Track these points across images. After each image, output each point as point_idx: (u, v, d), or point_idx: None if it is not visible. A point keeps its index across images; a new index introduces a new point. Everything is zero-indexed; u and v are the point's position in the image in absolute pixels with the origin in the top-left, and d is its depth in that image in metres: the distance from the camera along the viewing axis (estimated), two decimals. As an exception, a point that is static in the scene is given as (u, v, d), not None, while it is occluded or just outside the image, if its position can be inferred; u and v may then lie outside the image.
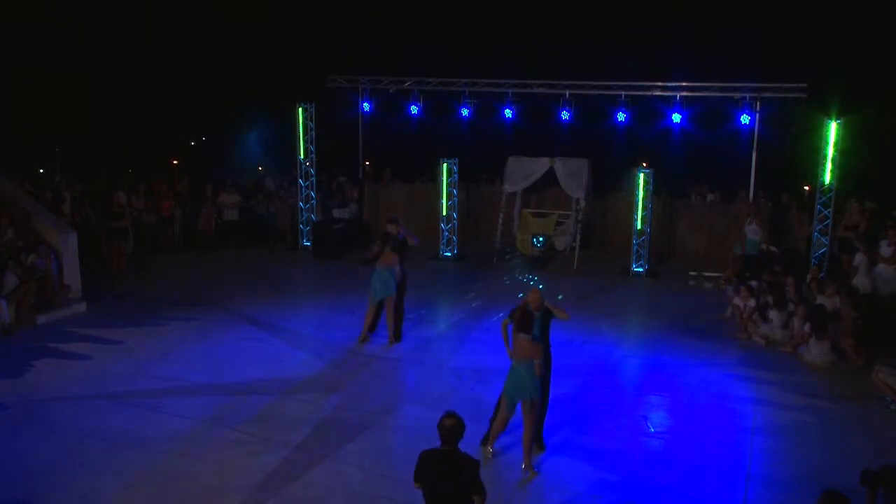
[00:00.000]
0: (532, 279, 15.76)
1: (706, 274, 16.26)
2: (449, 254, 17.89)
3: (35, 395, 9.80)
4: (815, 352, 11.30)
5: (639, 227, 16.39)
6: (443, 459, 5.79)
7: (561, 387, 10.14)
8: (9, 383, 10.17)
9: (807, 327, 11.56)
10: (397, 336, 11.99)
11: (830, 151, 14.65)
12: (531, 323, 7.98)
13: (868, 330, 11.50)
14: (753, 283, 13.35)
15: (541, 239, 17.31)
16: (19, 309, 12.46)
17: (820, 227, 14.92)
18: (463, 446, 8.47)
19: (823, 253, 14.87)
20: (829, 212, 14.82)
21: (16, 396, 9.75)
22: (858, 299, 11.96)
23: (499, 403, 8.36)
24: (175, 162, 27.73)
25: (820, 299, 12.31)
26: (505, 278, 15.72)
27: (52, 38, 23.07)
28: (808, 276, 13.70)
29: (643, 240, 16.44)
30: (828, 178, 14.77)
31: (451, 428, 5.84)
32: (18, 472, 7.84)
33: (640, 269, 16.49)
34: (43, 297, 12.98)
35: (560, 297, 14.17)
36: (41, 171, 21.70)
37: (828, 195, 14.80)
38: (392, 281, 11.59)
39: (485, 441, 8.44)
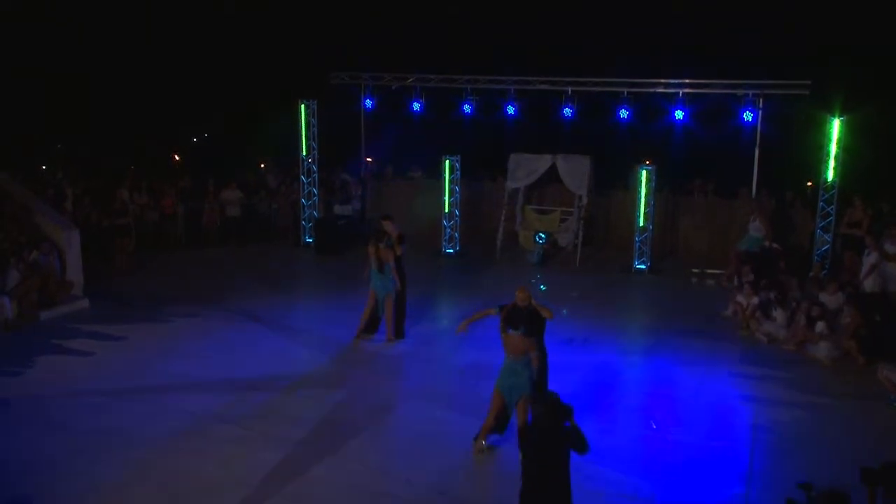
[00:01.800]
0: (537, 279, 15.75)
1: (708, 271, 16.23)
2: (451, 250, 17.89)
3: (38, 392, 9.82)
4: (825, 349, 11.29)
5: (641, 224, 16.37)
6: (544, 435, 5.97)
7: (562, 384, 10.12)
8: (12, 379, 10.21)
9: (819, 326, 11.52)
10: (400, 333, 12.01)
11: (833, 148, 14.64)
12: (519, 320, 8.01)
13: (872, 331, 11.44)
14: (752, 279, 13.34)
15: (542, 236, 17.31)
16: (22, 305, 12.48)
17: (822, 224, 14.90)
18: (459, 442, 8.54)
19: (826, 250, 14.85)
20: (831, 209, 14.81)
21: (19, 392, 9.78)
22: (862, 303, 11.91)
23: (492, 399, 8.37)
24: (177, 159, 27.74)
25: (822, 297, 12.30)
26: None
27: (53, 38, 23.07)
28: (811, 274, 13.68)
29: (645, 237, 16.42)
30: (830, 175, 14.76)
31: (555, 404, 5.98)
32: (21, 467, 7.87)
33: (643, 267, 16.48)
34: (46, 293, 13.00)
35: (576, 293, 14.28)
36: (43, 167, 21.68)
37: (830, 192, 14.79)
38: (390, 277, 11.61)
39: (477, 436, 8.46)
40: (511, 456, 8.26)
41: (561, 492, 5.97)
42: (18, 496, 7.11)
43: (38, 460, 8.02)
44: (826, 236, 14.89)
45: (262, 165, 22.54)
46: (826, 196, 14.84)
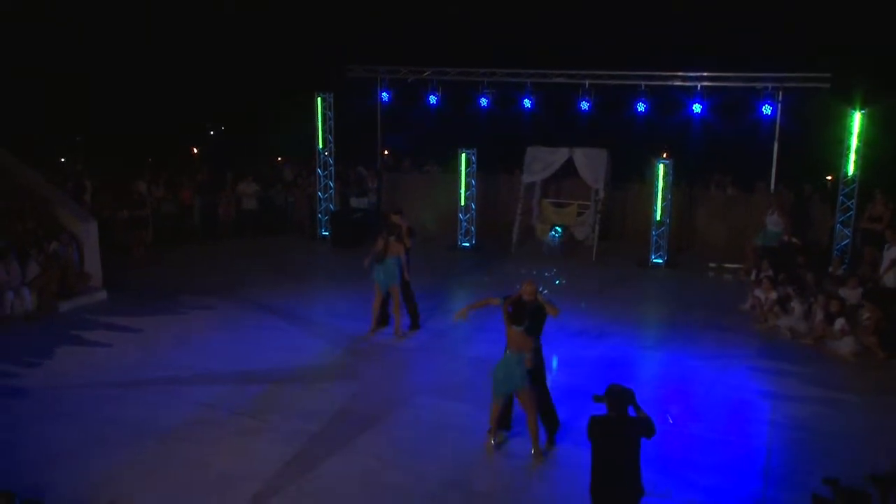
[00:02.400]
0: (550, 272, 15.70)
1: (726, 265, 16.13)
2: (467, 244, 17.86)
3: (56, 382, 9.90)
4: (847, 344, 11.18)
5: (658, 217, 16.27)
6: (611, 426, 5.99)
7: (576, 377, 10.14)
8: (31, 369, 10.30)
9: (839, 322, 11.39)
10: (415, 324, 12.04)
11: (854, 142, 14.47)
12: (523, 314, 7.96)
13: (892, 327, 11.32)
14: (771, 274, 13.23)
15: (559, 229, 17.24)
16: (41, 296, 12.58)
17: (842, 218, 14.74)
18: (472, 435, 8.53)
19: (846, 245, 14.70)
20: (852, 203, 14.65)
21: (38, 382, 9.87)
22: (883, 298, 11.77)
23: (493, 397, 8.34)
24: (195, 151, 27.85)
25: (842, 292, 12.17)
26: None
27: (65, 35, 23.20)
28: (830, 268, 13.54)
29: (662, 231, 16.33)
30: (851, 168, 14.60)
31: (619, 394, 5.98)
32: (38, 457, 7.94)
33: (659, 261, 16.39)
34: (64, 285, 13.10)
35: (583, 304, 14.18)
36: (62, 160, 21.84)
37: (851, 186, 14.63)
38: (397, 270, 11.60)
39: (490, 430, 8.44)
40: (523, 449, 8.27)
41: (632, 481, 5.96)
42: (37, 484, 7.17)
43: (55, 449, 8.09)
44: (846, 231, 14.73)
45: (279, 159, 22.60)
46: (846, 190, 14.68)
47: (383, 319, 12.07)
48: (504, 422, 8.46)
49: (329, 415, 9.04)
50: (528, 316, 7.96)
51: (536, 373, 8.25)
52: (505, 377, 8.04)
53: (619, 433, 5.97)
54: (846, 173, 14.66)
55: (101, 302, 13.50)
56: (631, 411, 6.00)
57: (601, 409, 6.14)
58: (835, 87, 14.96)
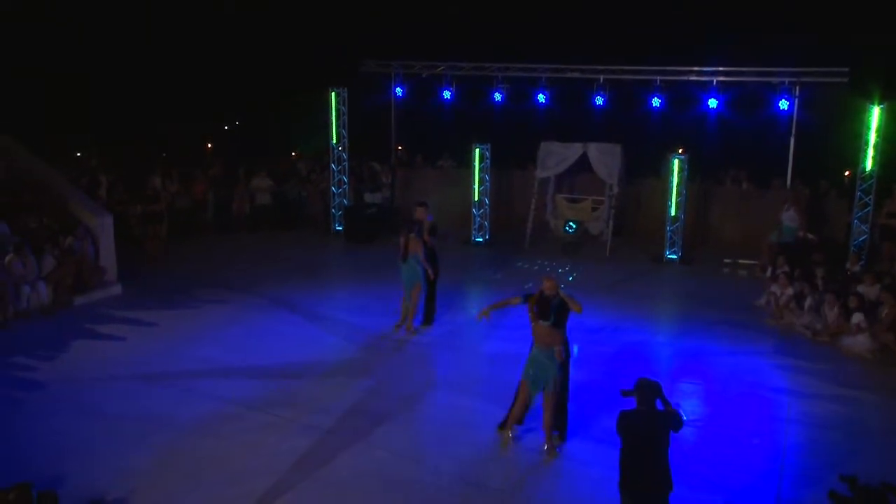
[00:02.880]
0: (565, 268, 15.66)
1: (741, 261, 16.04)
2: (480, 239, 17.83)
3: (71, 376, 9.95)
4: (863, 341, 11.08)
5: (673, 213, 16.19)
6: (640, 419, 6.00)
7: (592, 373, 10.10)
8: (47, 363, 10.36)
9: (856, 318, 11.30)
10: (429, 320, 12.02)
11: (872, 137, 14.34)
12: (549, 310, 7.94)
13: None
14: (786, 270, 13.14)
15: (573, 225, 17.18)
16: (57, 290, 12.65)
17: (860, 214, 14.62)
18: (487, 431, 8.51)
19: (863, 241, 14.57)
20: (869, 199, 14.51)
21: (54, 376, 9.92)
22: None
23: (518, 389, 8.32)
24: (209, 146, 27.92)
25: (860, 288, 12.06)
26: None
27: (82, 31, 23.28)
28: (847, 265, 13.43)
29: (677, 227, 16.24)
30: (869, 164, 14.46)
31: (648, 388, 6.01)
32: (53, 449, 7.98)
33: (674, 256, 16.31)
34: (80, 279, 13.16)
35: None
36: (78, 154, 21.94)
37: (869, 182, 14.50)
38: (419, 267, 11.59)
39: (503, 426, 8.45)
40: (536, 444, 8.24)
41: (662, 475, 5.95)
42: (54, 477, 7.20)
43: (71, 443, 8.13)
44: (863, 227, 14.60)
45: (293, 153, 22.63)
46: (864, 186, 14.55)
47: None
48: (522, 416, 8.43)
49: (344, 410, 9.04)
50: (554, 311, 7.93)
51: (564, 370, 8.25)
52: (536, 373, 8.03)
53: (648, 427, 5.96)
54: (864, 168, 14.52)
55: (115, 296, 13.56)
56: (658, 405, 5.97)
57: (620, 404, 6.12)
58: (853, 81, 14.83)
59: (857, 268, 13.50)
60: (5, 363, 10.26)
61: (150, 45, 24.50)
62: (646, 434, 5.96)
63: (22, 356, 10.49)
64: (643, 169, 18.61)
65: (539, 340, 8.02)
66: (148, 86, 24.42)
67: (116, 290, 13.72)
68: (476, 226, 17.83)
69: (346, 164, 18.65)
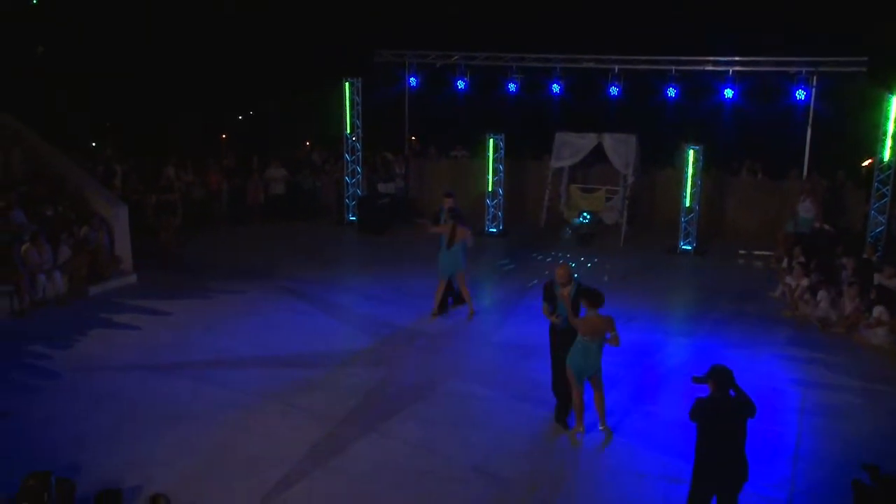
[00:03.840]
0: (578, 258, 15.60)
1: (756, 252, 15.94)
2: (494, 229, 17.81)
3: (87, 365, 10.02)
4: (881, 334, 10.99)
5: (687, 204, 16.10)
6: (716, 407, 6.00)
7: (605, 364, 10.04)
8: (63, 353, 10.43)
9: (877, 310, 11.20)
10: (444, 308, 12.05)
11: (891, 127, 14.19)
12: (599, 295, 7.84)
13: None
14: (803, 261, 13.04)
15: (587, 215, 17.13)
16: (72, 280, 12.72)
17: (877, 204, 14.49)
18: (500, 420, 8.50)
19: (881, 231, 14.45)
20: (887, 189, 14.38)
21: (69, 365, 9.99)
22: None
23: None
24: (223, 137, 27.97)
25: (878, 279, 11.95)
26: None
27: (96, 16, 23.31)
28: (864, 255, 13.32)
29: (691, 217, 16.16)
30: (887, 154, 14.33)
31: (722, 374, 6.01)
32: (69, 438, 8.04)
33: (688, 247, 16.23)
34: (95, 268, 13.23)
35: (606, 277, 14.05)
36: (93, 144, 22.04)
37: (886, 172, 14.37)
38: (462, 255, 11.59)
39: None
40: (548, 434, 8.24)
41: (738, 463, 5.94)
42: (70, 465, 7.26)
43: (87, 432, 8.19)
44: (881, 218, 14.48)
45: (307, 143, 22.64)
46: (881, 176, 14.43)
47: (444, 306, 12.10)
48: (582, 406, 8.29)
49: (357, 399, 9.06)
50: (594, 297, 7.82)
51: (559, 361, 8.26)
52: (584, 363, 7.97)
53: (724, 414, 5.95)
54: (882, 159, 14.39)
55: (130, 285, 13.63)
56: (731, 392, 5.97)
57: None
58: (871, 70, 14.68)
59: (874, 258, 13.39)
60: (22, 352, 10.34)
61: (166, 35, 24.52)
62: (723, 422, 5.94)
63: (38, 345, 10.57)
64: (658, 159, 18.53)
65: (587, 330, 7.88)
66: (163, 76, 24.44)
67: (131, 279, 13.79)
68: (490, 216, 17.80)
69: (359, 154, 18.65)
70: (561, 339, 8.30)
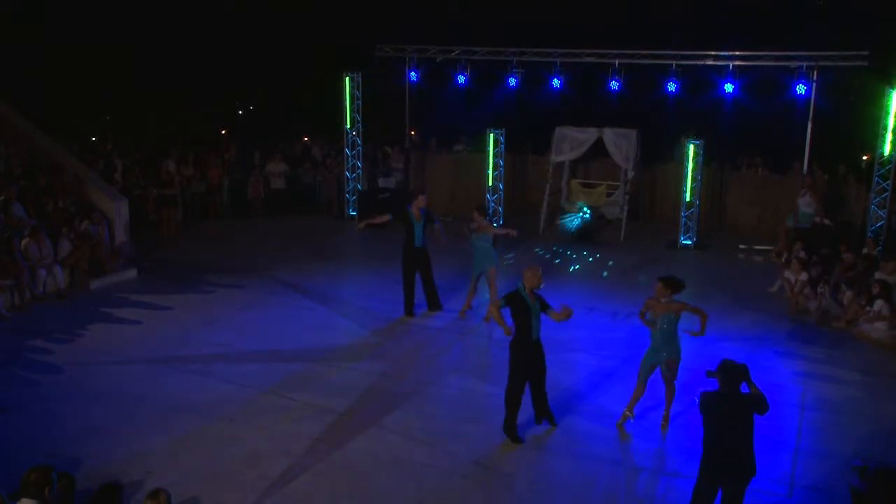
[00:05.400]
0: (578, 253, 15.59)
1: (756, 247, 15.93)
2: (495, 224, 17.75)
3: (88, 359, 10.03)
4: (882, 328, 10.99)
5: (688, 198, 16.09)
6: (723, 401, 6.02)
7: (605, 358, 10.11)
8: (63, 347, 10.44)
9: (878, 304, 11.19)
10: (437, 304, 12.06)
11: (892, 122, 14.18)
12: (680, 280, 8.14)
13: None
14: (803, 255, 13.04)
15: (587, 210, 17.11)
16: (73, 274, 12.74)
17: (878, 199, 14.48)
18: (500, 414, 8.49)
19: (881, 226, 14.44)
20: (887, 184, 14.38)
21: (70, 359, 10.00)
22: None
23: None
24: (224, 131, 27.96)
25: (879, 274, 11.95)
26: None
27: (97, 10, 23.24)
28: (864, 250, 13.32)
29: (692, 212, 16.15)
30: (888, 148, 14.31)
31: (733, 370, 6.02)
32: (70, 432, 8.05)
33: (689, 242, 16.23)
34: (95, 263, 13.24)
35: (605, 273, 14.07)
36: (93, 138, 22.03)
37: (887, 166, 14.36)
38: (493, 250, 11.55)
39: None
40: (547, 428, 8.25)
41: (745, 459, 5.95)
42: (70, 459, 7.27)
43: (88, 426, 8.19)
44: (881, 212, 14.47)
45: (307, 138, 22.62)
46: (882, 171, 14.42)
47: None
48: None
49: (358, 393, 9.07)
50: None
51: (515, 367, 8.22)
52: (651, 361, 8.15)
53: (731, 409, 5.96)
54: (882, 153, 14.38)
55: (130, 280, 13.63)
56: (744, 387, 5.95)
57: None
58: (872, 64, 14.65)
59: (874, 253, 13.39)
60: (22, 346, 10.35)
61: (167, 29, 24.48)
62: (729, 417, 5.94)
63: (39, 339, 10.58)
64: (659, 154, 18.51)
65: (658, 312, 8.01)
66: (164, 70, 24.41)
67: (132, 273, 13.79)
68: (490, 211, 17.78)
69: (360, 148, 18.63)
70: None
